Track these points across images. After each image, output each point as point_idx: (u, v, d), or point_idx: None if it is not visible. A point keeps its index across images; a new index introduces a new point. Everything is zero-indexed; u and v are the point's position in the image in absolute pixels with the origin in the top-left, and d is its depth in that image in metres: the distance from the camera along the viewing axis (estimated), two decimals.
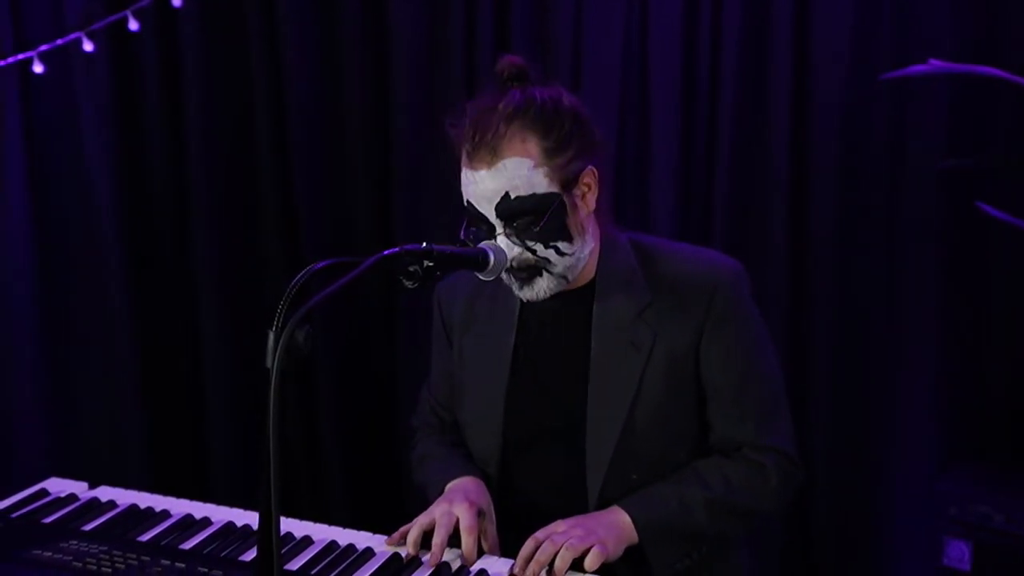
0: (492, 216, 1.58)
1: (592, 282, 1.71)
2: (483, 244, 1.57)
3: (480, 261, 1.54)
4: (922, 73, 2.29)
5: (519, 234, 1.58)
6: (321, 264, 1.24)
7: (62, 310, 3.05)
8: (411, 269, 1.37)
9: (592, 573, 1.49)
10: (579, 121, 1.62)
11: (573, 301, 1.71)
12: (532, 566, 1.48)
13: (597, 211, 1.68)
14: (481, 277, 1.58)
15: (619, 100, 2.69)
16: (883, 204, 2.59)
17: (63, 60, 2.86)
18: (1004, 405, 2.61)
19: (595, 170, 1.64)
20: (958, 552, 2.43)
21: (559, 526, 1.55)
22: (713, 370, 1.67)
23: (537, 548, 1.50)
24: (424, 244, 1.40)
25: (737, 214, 2.66)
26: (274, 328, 1.13)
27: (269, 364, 1.10)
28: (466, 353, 1.82)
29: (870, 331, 2.65)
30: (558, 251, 1.60)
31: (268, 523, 1.10)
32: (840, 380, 2.66)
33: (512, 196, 1.56)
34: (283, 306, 1.14)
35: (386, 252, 1.34)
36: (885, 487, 2.68)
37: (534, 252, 1.59)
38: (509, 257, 1.59)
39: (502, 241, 1.58)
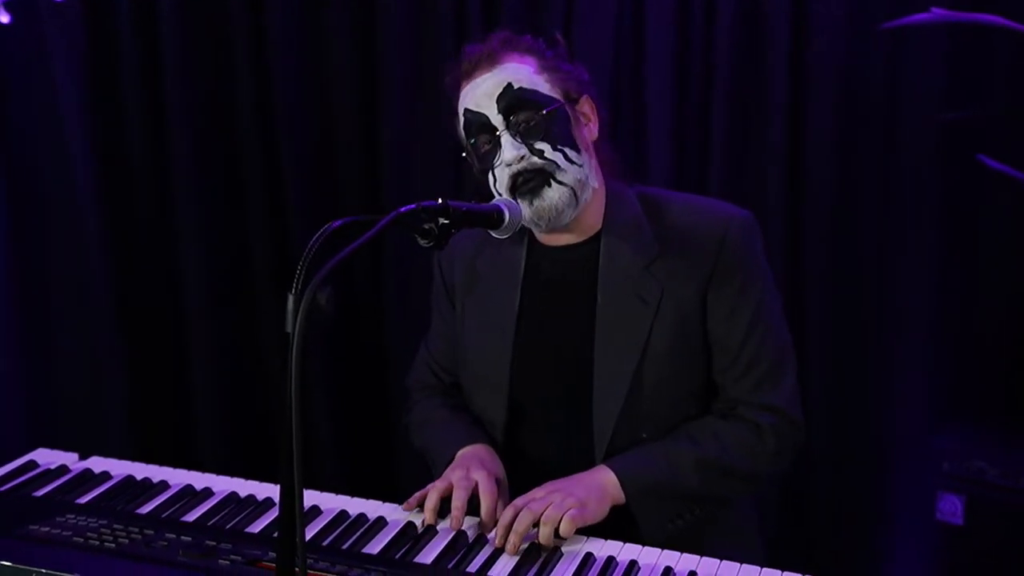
0: (493, 114, 1.56)
1: (598, 234, 1.66)
2: (497, 201, 1.52)
3: (495, 218, 1.48)
4: (923, 22, 2.25)
5: (524, 134, 1.55)
6: (338, 223, 1.16)
7: (37, 273, 2.92)
8: (426, 227, 1.31)
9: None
10: (569, 58, 1.64)
11: (578, 254, 1.67)
12: (512, 537, 1.42)
13: (600, 158, 1.65)
14: (495, 235, 1.52)
15: (613, 42, 2.61)
16: (880, 157, 2.56)
17: (31, 10, 2.71)
18: (999, 361, 2.61)
19: (592, 102, 1.63)
20: (951, 506, 2.43)
21: (538, 492, 1.50)
22: (717, 322, 1.63)
23: (515, 517, 1.44)
24: (440, 200, 1.33)
25: (733, 168, 2.61)
26: (294, 291, 1.07)
27: (289, 328, 1.04)
28: (469, 313, 1.77)
29: (866, 287, 2.63)
30: (566, 156, 1.55)
31: (291, 494, 1.05)
32: (836, 336, 2.64)
33: (515, 86, 1.55)
34: (302, 268, 1.08)
35: (402, 209, 1.28)
36: (880, 443, 2.68)
37: (540, 153, 1.54)
38: (514, 157, 1.54)
39: (506, 141, 1.55)
